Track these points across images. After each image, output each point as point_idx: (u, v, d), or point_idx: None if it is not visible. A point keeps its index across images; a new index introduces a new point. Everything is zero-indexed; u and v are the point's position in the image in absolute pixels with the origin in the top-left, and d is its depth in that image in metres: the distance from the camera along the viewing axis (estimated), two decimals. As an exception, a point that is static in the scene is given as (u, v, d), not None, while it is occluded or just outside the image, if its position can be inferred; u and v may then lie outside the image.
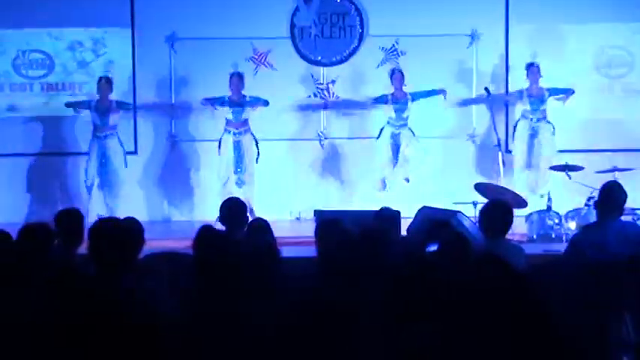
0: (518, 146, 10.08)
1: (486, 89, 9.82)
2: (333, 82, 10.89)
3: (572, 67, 10.79)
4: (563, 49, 10.85)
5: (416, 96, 10.03)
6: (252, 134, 9.95)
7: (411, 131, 10.06)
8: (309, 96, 10.92)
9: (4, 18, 10.75)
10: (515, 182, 9.78)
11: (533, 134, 9.99)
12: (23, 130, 10.86)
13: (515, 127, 10.14)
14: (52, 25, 10.85)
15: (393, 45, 10.80)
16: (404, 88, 10.03)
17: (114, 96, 10.10)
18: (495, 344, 3.19)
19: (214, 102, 9.97)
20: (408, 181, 9.98)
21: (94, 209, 9.65)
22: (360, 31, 10.89)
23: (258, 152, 9.94)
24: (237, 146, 9.89)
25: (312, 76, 10.91)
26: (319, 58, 10.90)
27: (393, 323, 3.35)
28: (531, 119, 10.00)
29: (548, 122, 10.03)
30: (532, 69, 10.01)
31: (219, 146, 9.94)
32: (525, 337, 3.16)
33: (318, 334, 3.36)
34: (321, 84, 10.92)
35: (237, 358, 3.55)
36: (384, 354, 3.31)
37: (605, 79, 10.96)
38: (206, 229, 4.75)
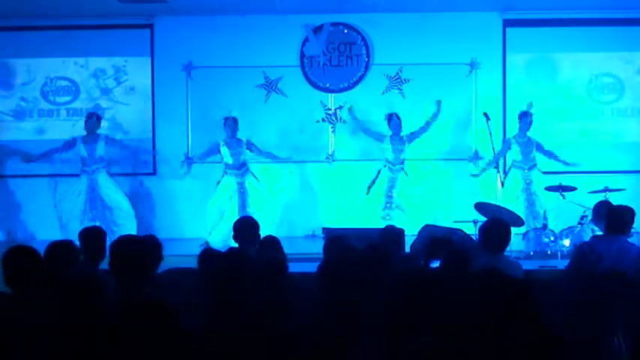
0: (513, 199, 9.48)
1: (485, 114, 9.81)
2: (340, 107, 10.92)
3: (565, 93, 10.81)
4: (557, 76, 10.88)
5: (412, 138, 9.82)
6: (252, 173, 9.77)
7: (405, 172, 9.82)
8: (318, 121, 10.94)
9: (34, 48, 10.87)
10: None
11: (528, 184, 9.57)
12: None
13: (506, 174, 9.77)
14: (77, 55, 10.94)
15: (397, 73, 10.84)
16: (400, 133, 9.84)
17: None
18: (497, 353, 3.17)
19: (209, 154, 9.81)
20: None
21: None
22: (366, 59, 10.92)
23: (262, 187, 9.74)
24: (241, 188, 9.68)
25: (321, 102, 10.94)
26: (328, 85, 10.93)
27: (395, 336, 3.33)
28: (523, 169, 9.62)
29: (539, 171, 9.65)
30: (525, 119, 9.61)
31: (218, 185, 9.74)
32: (526, 345, 3.14)
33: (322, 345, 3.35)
34: (329, 109, 10.95)
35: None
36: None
37: (597, 105, 10.97)
38: (206, 252, 4.81)
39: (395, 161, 9.80)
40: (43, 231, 10.38)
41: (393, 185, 9.78)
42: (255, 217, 9.48)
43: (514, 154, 9.72)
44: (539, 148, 9.68)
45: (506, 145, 9.77)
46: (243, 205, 9.65)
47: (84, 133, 9.82)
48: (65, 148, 9.87)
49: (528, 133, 9.65)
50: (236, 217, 9.38)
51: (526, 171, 9.63)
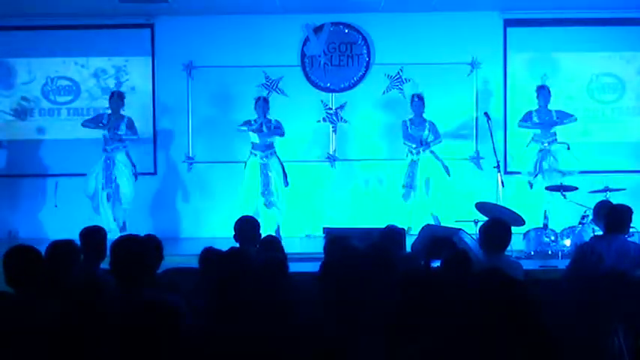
0: (528, 168, 9.81)
1: (486, 114, 9.82)
2: (341, 107, 10.92)
3: (566, 93, 10.81)
4: (558, 76, 10.86)
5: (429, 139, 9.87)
6: (278, 157, 9.73)
7: (434, 154, 9.89)
8: (319, 120, 10.94)
9: (34, 48, 10.89)
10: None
11: (544, 157, 9.71)
12: (50, 151, 10.90)
13: (526, 150, 9.93)
14: (78, 55, 10.96)
15: (398, 72, 10.83)
16: (423, 114, 9.94)
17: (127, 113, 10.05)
18: (497, 353, 3.17)
19: (247, 126, 9.63)
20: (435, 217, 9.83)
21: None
22: (367, 59, 10.92)
23: (286, 175, 9.71)
24: (264, 169, 9.63)
25: (322, 102, 10.94)
26: (328, 84, 10.93)
27: (395, 336, 3.34)
28: (542, 143, 9.77)
29: (560, 142, 9.74)
30: (543, 91, 9.81)
31: (245, 167, 9.74)
32: (526, 345, 3.15)
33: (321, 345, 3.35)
34: (330, 109, 10.95)
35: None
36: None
37: (598, 104, 10.97)
38: (206, 251, 4.81)
39: (416, 145, 9.82)
40: (43, 231, 10.38)
41: (413, 170, 9.83)
42: (273, 201, 9.57)
43: (534, 127, 9.83)
44: (560, 116, 9.83)
45: (528, 116, 9.86)
46: (263, 186, 9.60)
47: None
48: (95, 122, 9.91)
49: (550, 107, 9.83)
50: (256, 197, 9.48)
51: (545, 145, 9.73)
